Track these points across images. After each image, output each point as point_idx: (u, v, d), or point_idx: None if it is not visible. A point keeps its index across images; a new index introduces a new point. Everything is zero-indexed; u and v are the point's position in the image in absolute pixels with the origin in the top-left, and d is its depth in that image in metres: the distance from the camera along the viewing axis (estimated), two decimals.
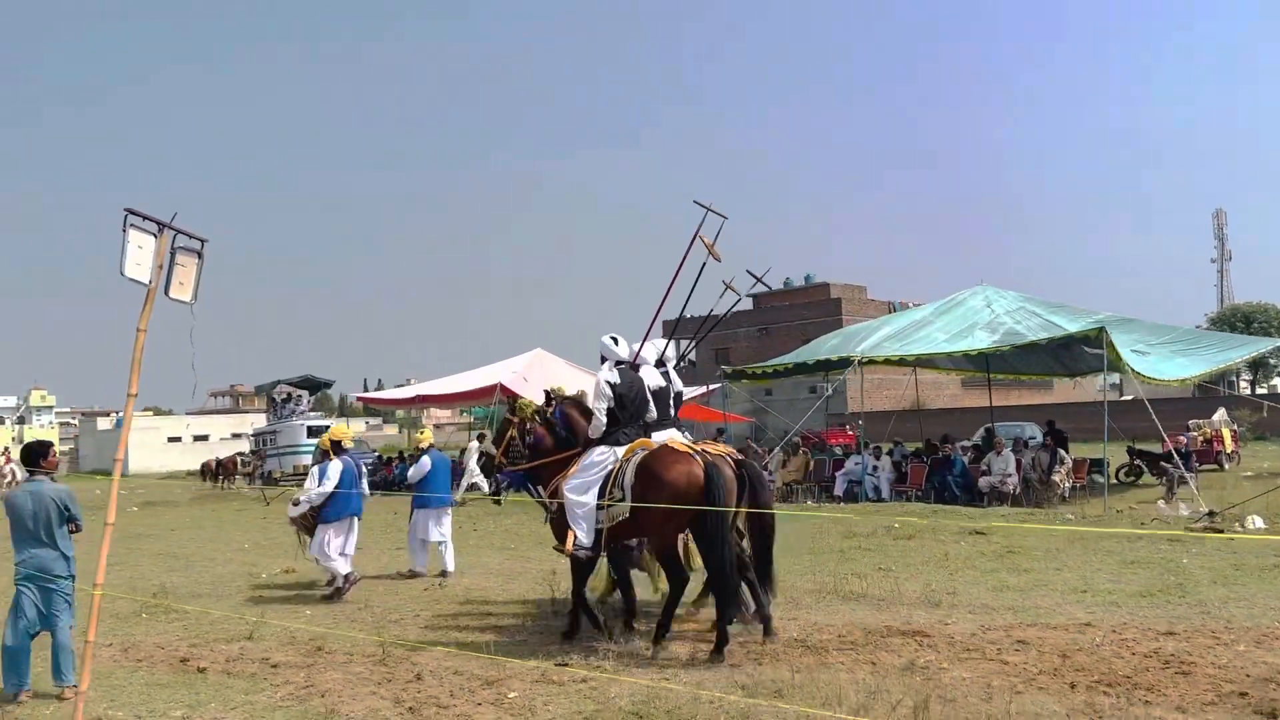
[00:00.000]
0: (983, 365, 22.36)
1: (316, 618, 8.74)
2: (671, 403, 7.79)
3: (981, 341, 18.23)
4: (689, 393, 26.51)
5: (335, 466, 9.95)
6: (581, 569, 7.55)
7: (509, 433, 7.86)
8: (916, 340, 18.93)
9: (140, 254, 5.42)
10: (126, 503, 26.10)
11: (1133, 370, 15.78)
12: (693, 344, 8.26)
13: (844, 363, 18.90)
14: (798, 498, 19.04)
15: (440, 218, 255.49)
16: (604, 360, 7.57)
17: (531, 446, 7.76)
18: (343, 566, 9.81)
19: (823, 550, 11.64)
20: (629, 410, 7.38)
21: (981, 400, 33.79)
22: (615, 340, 7.62)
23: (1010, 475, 16.62)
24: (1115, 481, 19.67)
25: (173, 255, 5.64)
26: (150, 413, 69.89)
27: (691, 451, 7.02)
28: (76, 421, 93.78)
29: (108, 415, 78.61)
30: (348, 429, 11.18)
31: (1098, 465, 18.13)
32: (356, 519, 10.22)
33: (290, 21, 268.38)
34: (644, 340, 7.95)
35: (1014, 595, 8.65)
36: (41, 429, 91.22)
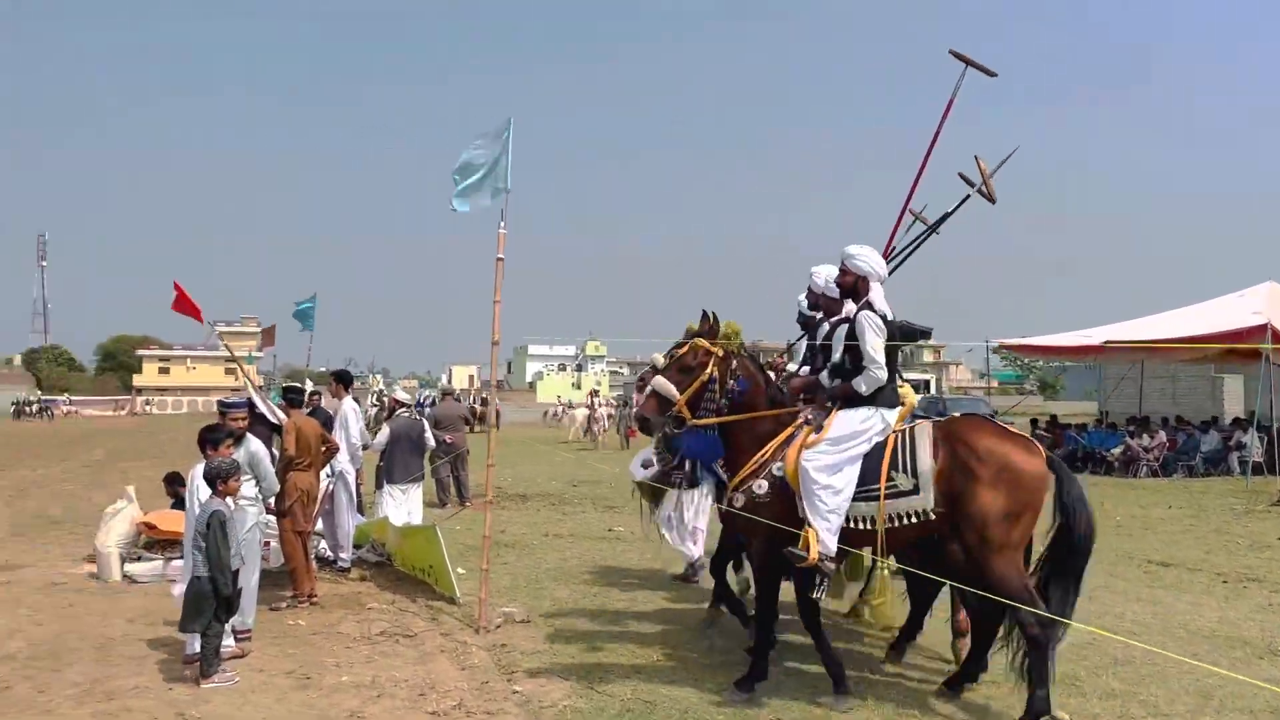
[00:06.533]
0: None
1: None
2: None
3: None
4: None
5: None
6: (772, 583, 5.41)
7: (707, 371, 5.20)
8: None
9: None
10: None
11: None
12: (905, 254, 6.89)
13: None
14: None
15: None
16: (867, 282, 5.29)
17: (738, 395, 5.25)
18: (694, 551, 7.97)
19: None
20: (896, 358, 5.29)
21: None
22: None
23: None
24: None
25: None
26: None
27: (1018, 431, 5.13)
28: (625, 371, 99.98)
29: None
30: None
31: None
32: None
33: None
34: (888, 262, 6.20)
35: None
36: (592, 376, 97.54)
